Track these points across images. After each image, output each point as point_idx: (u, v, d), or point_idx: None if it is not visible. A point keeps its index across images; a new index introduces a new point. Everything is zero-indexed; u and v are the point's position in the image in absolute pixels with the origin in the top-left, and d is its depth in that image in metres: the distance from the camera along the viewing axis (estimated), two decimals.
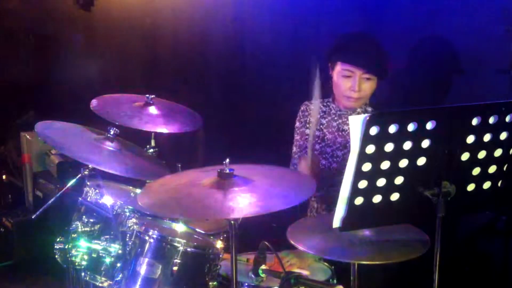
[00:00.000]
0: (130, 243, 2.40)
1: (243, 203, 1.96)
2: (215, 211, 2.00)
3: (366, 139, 1.75)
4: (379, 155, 1.79)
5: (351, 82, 2.70)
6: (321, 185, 2.87)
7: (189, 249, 2.33)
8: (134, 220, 2.47)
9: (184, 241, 2.35)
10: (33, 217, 2.89)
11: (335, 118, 2.87)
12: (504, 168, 1.95)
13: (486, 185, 1.96)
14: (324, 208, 2.96)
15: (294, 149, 2.99)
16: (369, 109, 2.83)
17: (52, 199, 2.85)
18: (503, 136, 1.89)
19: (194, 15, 4.34)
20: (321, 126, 2.90)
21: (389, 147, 1.79)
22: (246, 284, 2.31)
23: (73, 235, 2.53)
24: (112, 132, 2.73)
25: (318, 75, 2.63)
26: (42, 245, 3.77)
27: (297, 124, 2.97)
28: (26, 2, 5.66)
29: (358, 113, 2.81)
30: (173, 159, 2.95)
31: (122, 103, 2.98)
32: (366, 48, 2.72)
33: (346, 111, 2.85)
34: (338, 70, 2.73)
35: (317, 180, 2.75)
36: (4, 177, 5.14)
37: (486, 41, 2.88)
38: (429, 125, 1.79)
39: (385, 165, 1.81)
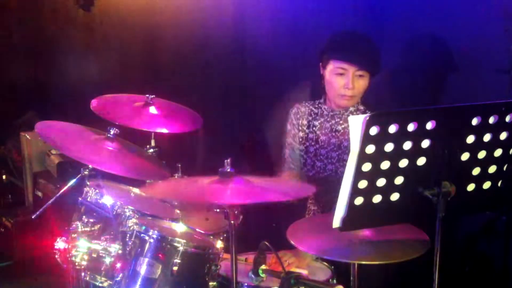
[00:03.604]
0: (130, 243, 2.40)
1: (240, 191, 1.98)
2: (213, 197, 2.03)
3: (366, 139, 1.75)
4: (379, 155, 1.79)
5: (345, 80, 2.68)
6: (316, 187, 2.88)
7: (189, 249, 2.34)
8: (134, 220, 2.47)
9: (184, 241, 2.35)
10: (33, 217, 2.89)
11: (328, 119, 2.86)
12: (504, 168, 1.95)
13: (486, 185, 1.96)
14: (318, 210, 2.95)
15: (287, 152, 2.96)
16: (361, 107, 2.82)
17: (52, 199, 2.85)
18: (503, 136, 1.89)
19: (194, 15, 4.34)
20: (314, 128, 2.88)
21: (389, 147, 1.79)
22: (246, 284, 2.31)
23: (73, 235, 2.53)
24: (112, 132, 2.73)
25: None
26: (42, 245, 3.77)
27: (288, 127, 2.95)
28: (26, 2, 5.67)
29: (351, 112, 2.80)
30: (173, 159, 2.95)
31: (122, 103, 2.98)
32: (358, 45, 2.72)
33: (339, 111, 2.83)
34: (331, 69, 2.71)
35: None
36: (4, 177, 5.14)
37: (486, 41, 2.88)
38: (429, 125, 1.79)
39: (385, 165, 1.81)
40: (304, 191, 2.18)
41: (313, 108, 2.90)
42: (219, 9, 4.14)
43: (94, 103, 2.90)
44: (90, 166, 2.68)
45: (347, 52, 2.68)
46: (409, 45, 3.21)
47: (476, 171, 1.92)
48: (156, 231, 2.37)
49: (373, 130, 1.75)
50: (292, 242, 2.18)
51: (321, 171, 2.87)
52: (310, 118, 2.89)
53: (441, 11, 3.04)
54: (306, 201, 2.99)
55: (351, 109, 2.81)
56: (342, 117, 2.82)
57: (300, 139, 2.91)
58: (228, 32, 4.10)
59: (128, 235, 2.42)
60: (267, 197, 2.01)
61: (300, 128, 2.91)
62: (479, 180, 1.94)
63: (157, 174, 2.64)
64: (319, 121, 2.87)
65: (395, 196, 1.88)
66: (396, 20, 3.23)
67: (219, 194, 2.00)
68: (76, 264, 2.50)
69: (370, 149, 1.77)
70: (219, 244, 2.45)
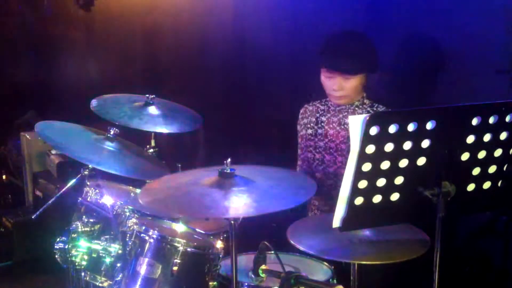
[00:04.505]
0: (130, 243, 2.40)
1: (240, 203, 1.97)
2: (213, 210, 2.01)
3: (366, 139, 1.75)
4: (379, 155, 1.79)
5: (333, 83, 2.82)
6: (325, 181, 2.91)
7: (189, 249, 2.33)
8: (134, 220, 2.47)
9: (184, 241, 2.35)
10: (33, 217, 2.89)
11: (335, 113, 2.93)
12: (504, 168, 1.95)
13: (486, 185, 1.96)
14: (325, 204, 2.97)
15: (299, 151, 3.07)
16: (367, 101, 2.89)
17: (52, 199, 2.85)
18: (503, 136, 1.89)
19: (194, 15, 4.34)
20: (322, 124, 2.95)
21: (389, 147, 1.79)
22: (246, 284, 2.31)
23: (73, 235, 2.53)
24: (112, 132, 2.73)
25: None
26: (42, 245, 3.78)
27: (298, 127, 3.07)
28: (26, 2, 5.67)
29: (357, 106, 2.89)
30: (173, 159, 2.95)
31: (122, 103, 2.97)
32: (344, 52, 2.81)
33: (344, 106, 2.91)
34: (323, 73, 2.86)
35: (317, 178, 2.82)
36: (4, 177, 5.15)
37: (486, 41, 2.88)
38: (429, 125, 1.79)
39: (385, 165, 1.81)
40: (304, 194, 2.16)
41: (319, 106, 2.99)
42: (219, 9, 4.14)
43: (94, 103, 2.90)
44: (90, 166, 2.68)
45: (332, 61, 2.80)
46: (409, 45, 3.21)
47: (476, 171, 1.92)
48: (156, 231, 2.37)
49: (373, 130, 1.75)
50: (292, 242, 2.18)
51: (331, 164, 2.90)
52: (318, 115, 2.98)
53: (441, 11, 3.04)
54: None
55: (356, 103, 2.88)
56: (349, 111, 2.90)
57: (309, 136, 2.98)
58: (228, 32, 4.10)
59: (128, 235, 2.42)
60: (266, 208, 2.00)
61: (308, 125, 2.99)
62: (479, 180, 1.94)
63: (157, 174, 2.64)
64: (327, 117, 2.96)
65: (395, 196, 1.88)
66: (396, 19, 3.23)
67: (216, 208, 1.98)
68: (76, 264, 2.50)
69: (370, 149, 1.77)
70: (219, 244, 2.44)
